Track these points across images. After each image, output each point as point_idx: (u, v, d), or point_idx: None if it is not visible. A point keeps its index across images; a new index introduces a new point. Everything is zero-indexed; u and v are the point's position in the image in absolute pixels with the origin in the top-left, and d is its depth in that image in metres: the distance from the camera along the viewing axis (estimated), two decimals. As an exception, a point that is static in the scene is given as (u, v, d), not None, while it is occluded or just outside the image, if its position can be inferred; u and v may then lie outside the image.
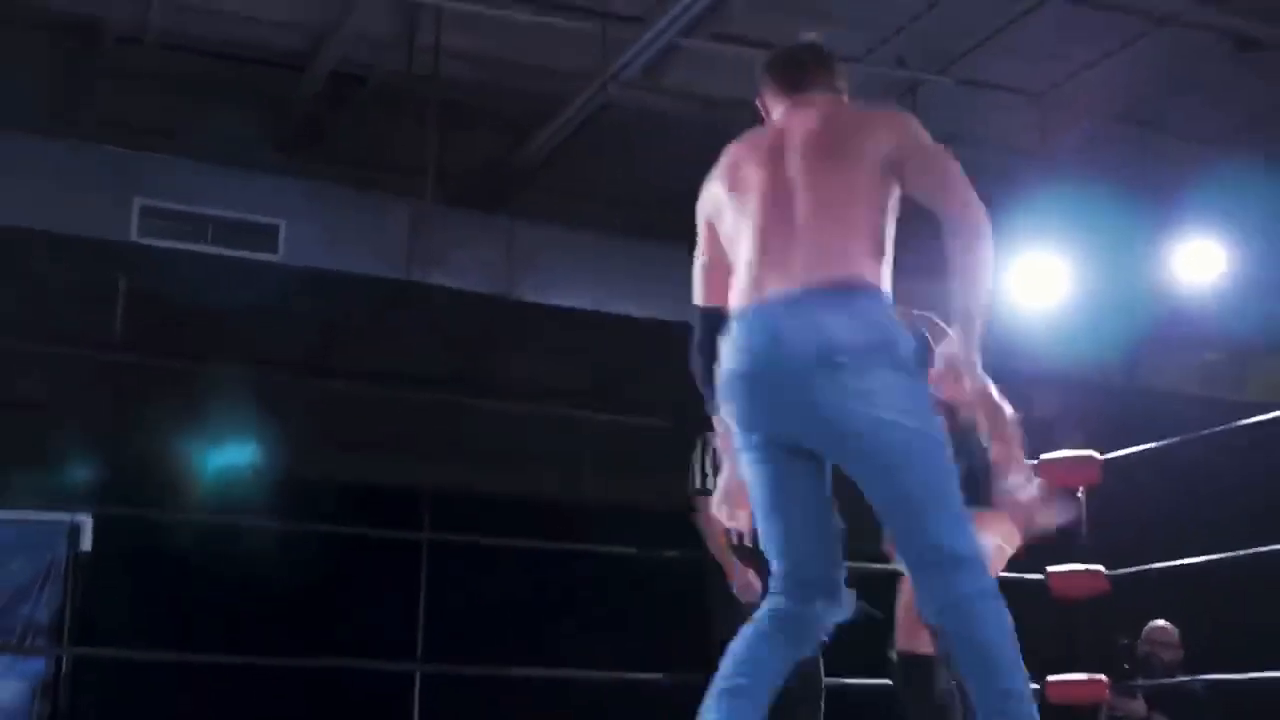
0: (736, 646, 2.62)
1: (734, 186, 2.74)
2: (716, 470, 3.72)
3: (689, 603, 4.43)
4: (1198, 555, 5.09)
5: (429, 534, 8.41)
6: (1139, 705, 5.68)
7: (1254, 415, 5.47)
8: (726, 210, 2.75)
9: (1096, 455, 5.29)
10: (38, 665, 7.28)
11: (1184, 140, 7.52)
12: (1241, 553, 5.01)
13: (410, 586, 8.91)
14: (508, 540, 5.84)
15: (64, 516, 6.96)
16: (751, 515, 2.71)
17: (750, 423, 2.58)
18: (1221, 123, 7.40)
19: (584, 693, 6.79)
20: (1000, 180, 6.95)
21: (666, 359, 8.70)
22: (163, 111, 7.14)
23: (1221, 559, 5.05)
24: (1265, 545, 4.93)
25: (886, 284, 2.57)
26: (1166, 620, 5.95)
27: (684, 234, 7.72)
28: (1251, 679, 5.46)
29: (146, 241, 6.59)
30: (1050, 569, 5.19)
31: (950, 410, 2.74)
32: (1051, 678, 5.12)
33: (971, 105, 7.33)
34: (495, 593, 7.89)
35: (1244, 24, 6.55)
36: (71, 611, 7.15)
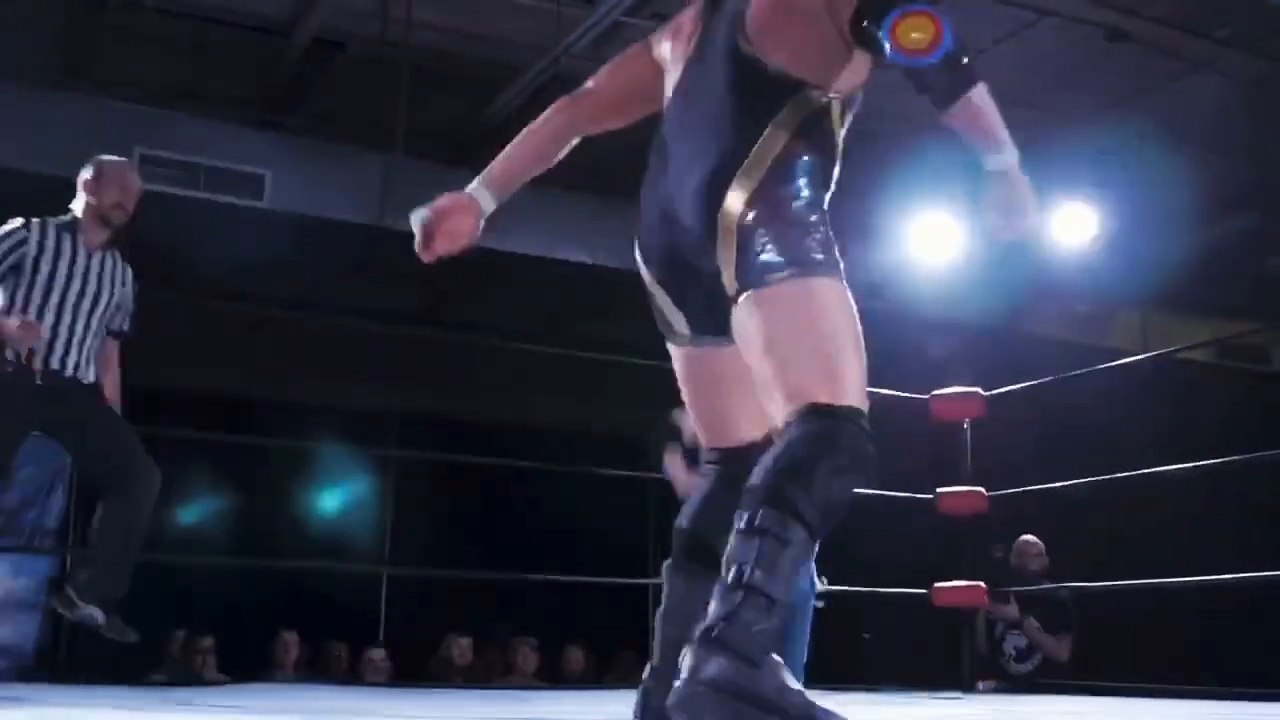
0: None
1: None
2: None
3: (625, 514, 4.48)
4: (1064, 480, 5.20)
5: (398, 451, 8.45)
6: (1012, 609, 5.80)
7: (1116, 359, 5.59)
8: None
9: (981, 392, 5.38)
10: (46, 564, 7.26)
11: (1061, 118, 7.59)
12: (1102, 478, 5.13)
13: (380, 498, 8.95)
14: (466, 458, 5.86)
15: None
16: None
17: None
18: (1094, 103, 7.47)
19: (530, 593, 6.86)
20: (901, 149, 7.01)
21: (610, 301, 8.76)
22: (161, 71, 7.07)
23: (1084, 483, 5.16)
24: (1122, 472, 5.05)
25: None
26: (1035, 535, 6.07)
27: (628, 189, 7.74)
28: (1106, 586, 5.61)
29: (145, 186, 6.50)
30: (939, 490, 5.28)
31: None
32: (938, 584, 5.22)
33: (877, 82, 7.33)
34: (453, 504, 7.94)
35: (1116, 17, 6.61)
36: (75, 516, 7.12)
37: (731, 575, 1.83)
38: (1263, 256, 8.51)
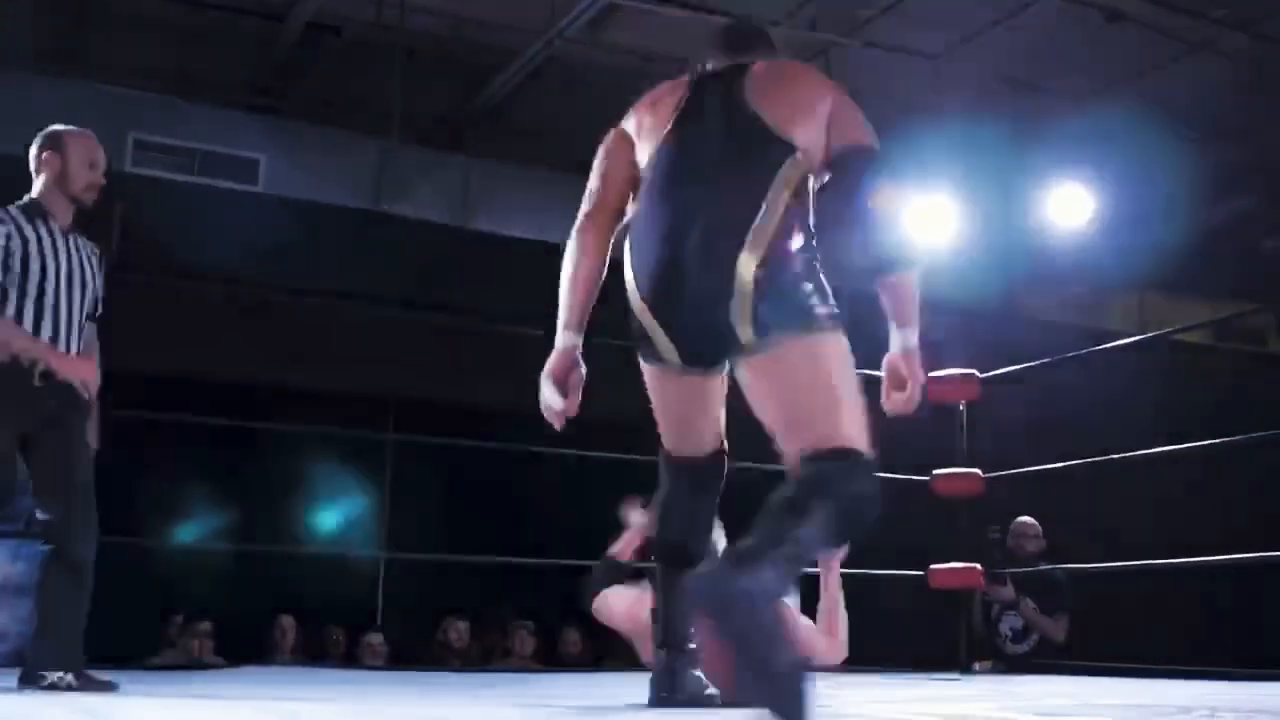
0: None
1: None
2: None
3: (622, 498, 4.48)
4: (1059, 461, 5.20)
5: (394, 435, 8.44)
6: (1008, 590, 5.80)
7: (1111, 341, 5.58)
8: None
9: (977, 374, 5.38)
10: (40, 548, 7.26)
11: (1058, 99, 7.59)
12: (1098, 459, 5.13)
13: (378, 482, 8.95)
14: (463, 442, 5.86)
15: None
16: None
17: None
18: (1091, 85, 7.47)
19: (528, 576, 6.86)
20: (899, 132, 6.99)
21: (606, 286, 8.66)
22: (157, 56, 7.05)
23: (1080, 464, 5.16)
24: (1117, 453, 5.06)
25: None
26: (1031, 517, 6.07)
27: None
28: (1102, 567, 5.62)
29: (139, 171, 6.50)
30: (934, 471, 5.28)
31: None
32: (934, 566, 5.22)
33: (875, 66, 7.34)
34: (451, 488, 7.94)
35: (1115, -1, 6.61)
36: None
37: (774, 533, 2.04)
38: (1259, 238, 8.52)
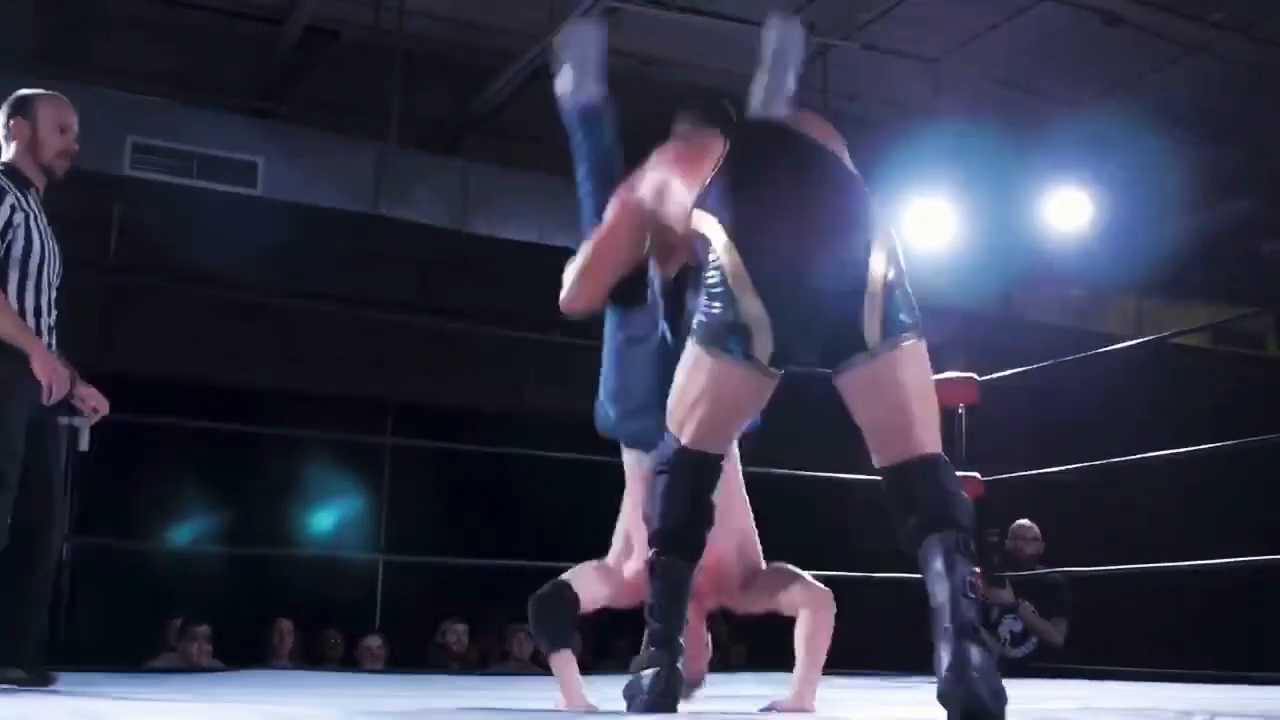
0: None
1: None
2: None
3: (620, 500, 4.47)
4: (1059, 465, 5.19)
5: (392, 438, 8.44)
6: (1007, 593, 5.80)
7: (1110, 344, 5.58)
8: None
9: (975, 377, 5.37)
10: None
11: (1057, 103, 7.59)
12: (1097, 463, 5.13)
13: (376, 486, 8.94)
14: (461, 445, 5.85)
15: (64, 419, 6.89)
16: None
17: None
18: (1089, 88, 7.46)
19: (527, 578, 6.84)
20: (897, 135, 7.00)
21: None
22: (155, 59, 7.05)
23: (1079, 468, 5.16)
24: (1117, 457, 5.05)
25: None
26: (1030, 520, 6.07)
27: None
28: (1101, 570, 5.62)
29: (138, 175, 6.49)
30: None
31: None
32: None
33: (873, 68, 7.34)
34: (449, 491, 7.93)
35: (1112, 2, 6.60)
36: (70, 504, 7.10)
37: (957, 584, 2.30)
38: (1258, 241, 8.51)
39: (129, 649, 7.20)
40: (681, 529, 2.58)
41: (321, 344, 8.87)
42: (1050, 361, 5.50)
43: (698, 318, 2.53)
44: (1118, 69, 7.27)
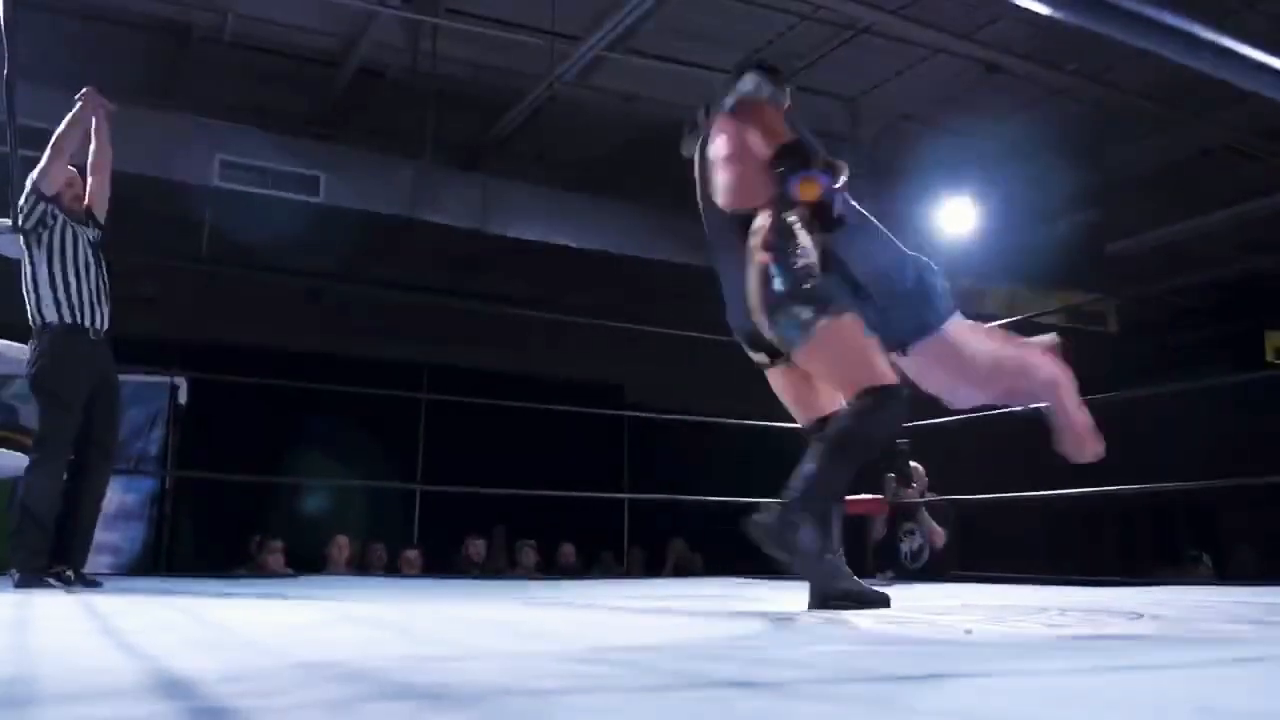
0: None
1: None
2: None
3: (605, 443, 4.49)
4: (944, 418, 5.22)
5: (427, 395, 8.44)
6: (913, 492, 5.78)
7: (988, 323, 5.60)
8: None
9: (883, 348, 5.39)
10: (149, 483, 7.24)
11: (949, 132, 7.60)
12: (973, 415, 5.15)
13: (412, 430, 8.94)
14: (481, 400, 5.86)
15: (167, 378, 6.88)
16: None
17: None
18: (975, 121, 7.47)
19: (531, 504, 6.87)
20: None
21: (593, 278, 8.69)
22: (239, 92, 6.99)
23: (957, 419, 5.19)
24: (990, 412, 5.09)
25: None
26: (918, 462, 6.09)
27: (606, 189, 7.68)
28: (974, 498, 5.67)
29: (224, 186, 6.46)
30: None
31: None
32: (848, 498, 5.27)
33: (804, 104, 7.32)
34: (472, 436, 7.94)
35: (991, 54, 6.60)
36: (172, 445, 7.09)
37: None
38: (1103, 243, 8.57)
39: (217, 560, 7.21)
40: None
41: (370, 320, 8.85)
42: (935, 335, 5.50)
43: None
44: (996, 106, 7.29)
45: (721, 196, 2.59)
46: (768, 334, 2.48)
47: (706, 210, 2.70)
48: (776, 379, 2.73)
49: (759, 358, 2.69)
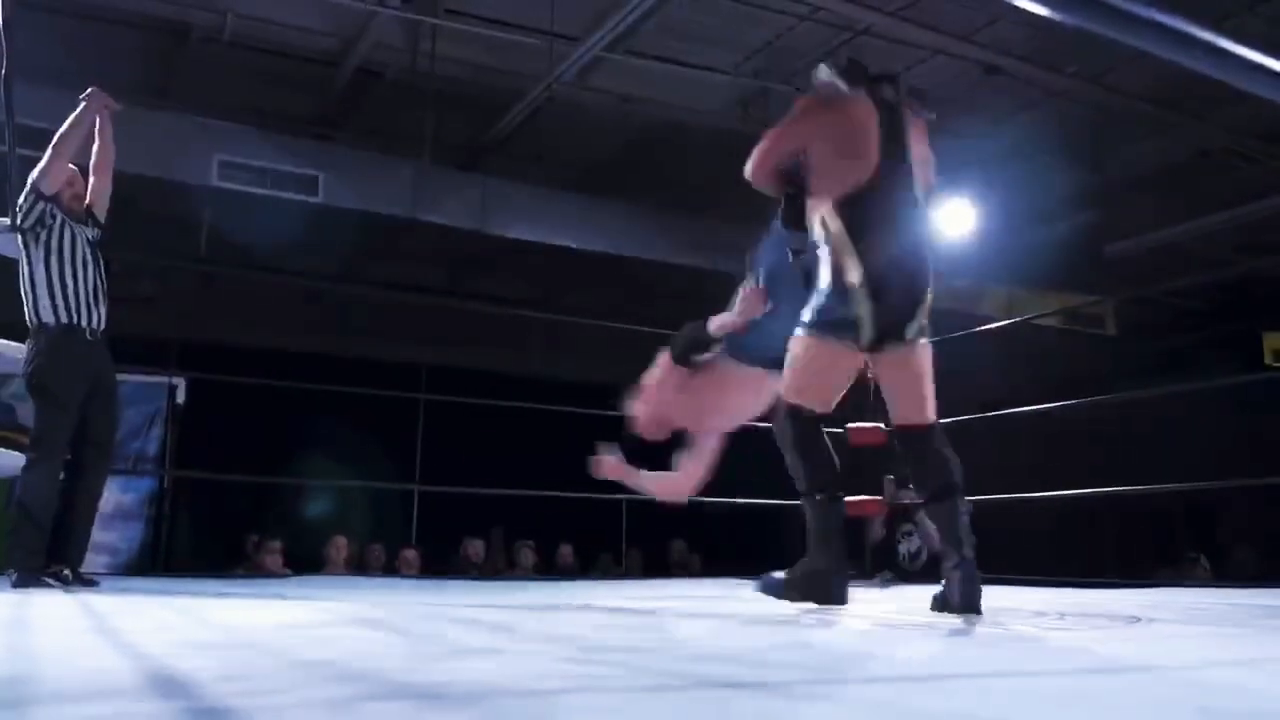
0: None
1: None
2: None
3: (601, 443, 4.48)
4: (945, 418, 5.22)
5: (425, 395, 8.43)
6: (911, 494, 5.78)
7: (986, 325, 5.62)
8: None
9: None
10: (147, 483, 7.24)
11: (948, 134, 7.59)
12: (974, 416, 5.17)
13: (411, 431, 8.93)
14: (480, 400, 5.86)
15: (165, 378, 6.88)
16: None
17: None
18: (974, 122, 7.47)
19: (529, 505, 6.87)
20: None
21: (593, 278, 8.69)
22: (237, 92, 6.98)
23: (959, 421, 5.20)
24: (990, 411, 5.10)
25: None
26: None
27: (606, 190, 7.68)
28: (975, 499, 5.65)
29: (223, 186, 6.45)
30: (848, 425, 5.32)
31: None
32: (848, 498, 5.26)
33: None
34: (469, 436, 7.94)
35: (990, 56, 6.60)
36: (170, 445, 7.09)
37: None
38: (1102, 244, 8.57)
39: (215, 560, 7.21)
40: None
41: (368, 321, 8.84)
42: (939, 337, 5.51)
43: (812, 311, 2.62)
44: (996, 107, 7.29)
45: (921, 185, 2.77)
46: (913, 319, 2.61)
47: (891, 160, 2.66)
48: (847, 364, 2.72)
49: (866, 334, 2.61)
